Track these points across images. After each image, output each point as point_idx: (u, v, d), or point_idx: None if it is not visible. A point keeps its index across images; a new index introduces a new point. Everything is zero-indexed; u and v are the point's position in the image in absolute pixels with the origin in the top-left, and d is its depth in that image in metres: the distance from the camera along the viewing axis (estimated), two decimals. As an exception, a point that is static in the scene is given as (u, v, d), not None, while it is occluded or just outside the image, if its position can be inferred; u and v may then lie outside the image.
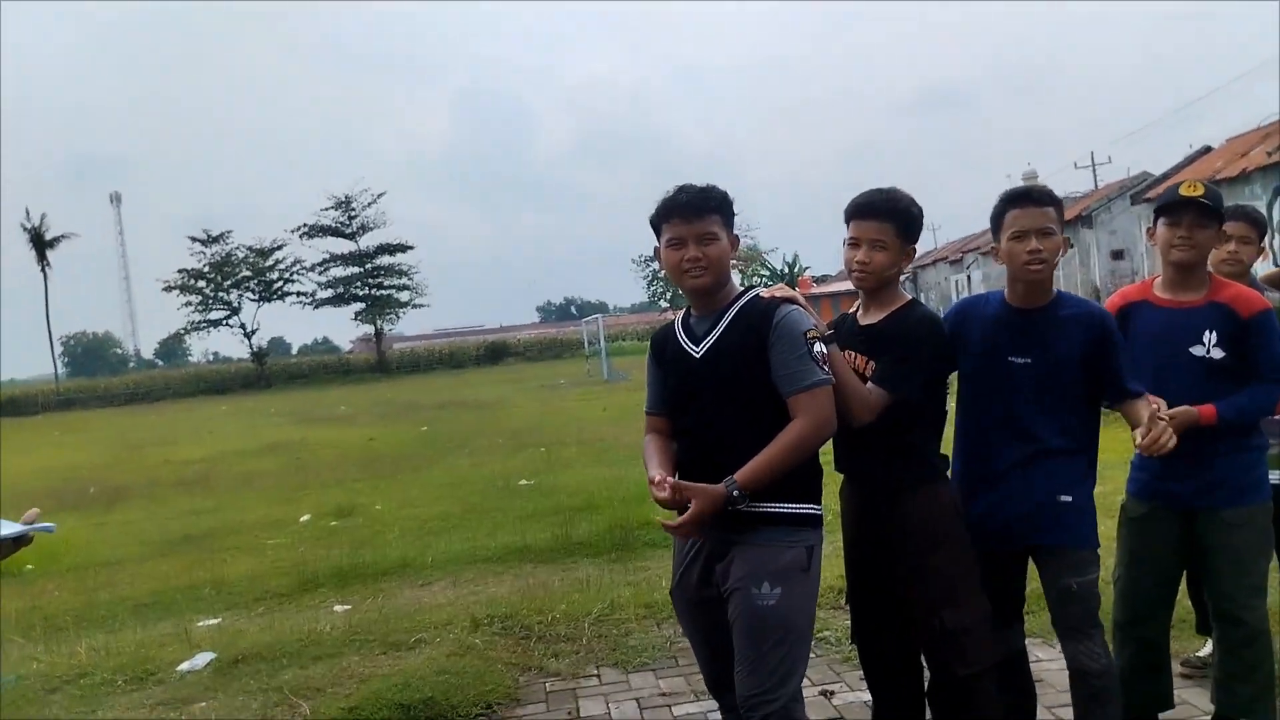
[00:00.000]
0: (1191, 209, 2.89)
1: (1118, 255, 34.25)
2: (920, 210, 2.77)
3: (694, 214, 2.55)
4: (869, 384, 2.65)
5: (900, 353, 2.64)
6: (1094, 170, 47.23)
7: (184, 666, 4.43)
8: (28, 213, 61.83)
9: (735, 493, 2.40)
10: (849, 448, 2.79)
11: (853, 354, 2.73)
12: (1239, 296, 2.91)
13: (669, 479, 2.47)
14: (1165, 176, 30.22)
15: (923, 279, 62.33)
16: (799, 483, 2.52)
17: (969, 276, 50.67)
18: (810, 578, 2.53)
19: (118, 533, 10.51)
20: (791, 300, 2.58)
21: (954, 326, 2.87)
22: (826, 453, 2.64)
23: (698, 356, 2.60)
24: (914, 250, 2.77)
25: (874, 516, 2.76)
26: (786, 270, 66.99)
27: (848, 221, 2.77)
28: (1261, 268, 3.49)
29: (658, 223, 2.64)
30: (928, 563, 2.67)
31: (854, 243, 2.74)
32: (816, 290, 67.25)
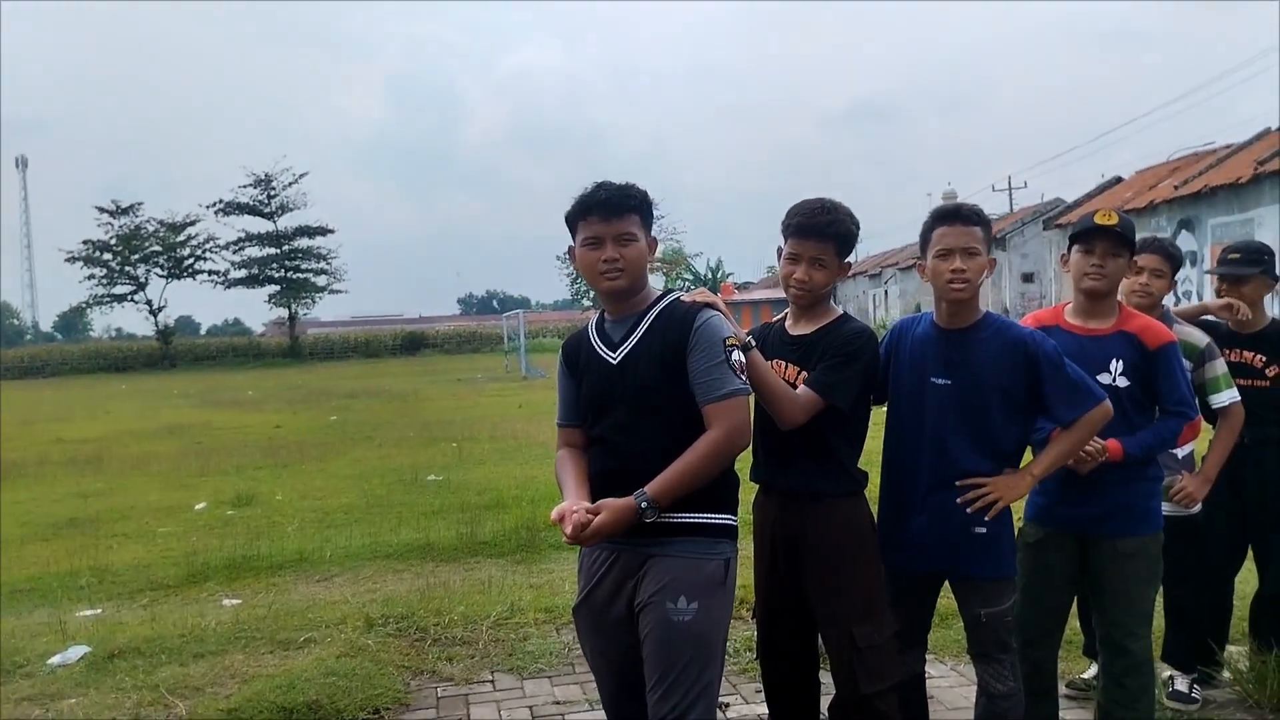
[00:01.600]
0: (1106, 237, 2.93)
1: (1028, 278, 35.40)
2: (858, 226, 2.76)
3: (612, 213, 2.45)
4: (801, 387, 2.64)
5: (836, 361, 2.65)
6: (1010, 193, 48.73)
7: (55, 660, 4.21)
8: (-79, 172, 58.71)
9: (645, 505, 2.31)
10: (769, 456, 2.78)
11: (783, 364, 2.72)
12: (1147, 328, 2.96)
13: (575, 513, 2.31)
14: (1077, 204, 31.37)
15: (841, 292, 63.44)
16: (716, 492, 2.44)
17: (886, 291, 51.78)
18: (727, 591, 2.45)
19: (5, 515, 9.99)
20: (712, 306, 2.51)
21: (890, 345, 2.88)
22: (745, 460, 2.61)
23: (614, 362, 2.51)
24: (849, 265, 2.78)
25: (790, 527, 2.74)
26: (710, 276, 67.51)
27: (787, 236, 2.73)
28: (1169, 302, 3.58)
29: (573, 220, 2.53)
30: (841, 577, 2.67)
31: (793, 258, 2.72)
32: (739, 297, 68.06)
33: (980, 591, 2.77)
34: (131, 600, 5.91)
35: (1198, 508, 3.37)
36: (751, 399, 2.54)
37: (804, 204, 2.74)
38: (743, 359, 2.46)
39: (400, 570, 6.24)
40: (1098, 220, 2.94)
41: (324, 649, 4.26)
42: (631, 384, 2.46)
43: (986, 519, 2.69)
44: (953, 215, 2.74)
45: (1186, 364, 3.16)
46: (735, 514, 2.52)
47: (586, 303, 56.32)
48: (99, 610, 5.56)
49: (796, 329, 2.79)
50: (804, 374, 2.66)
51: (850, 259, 2.79)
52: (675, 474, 2.33)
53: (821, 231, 2.68)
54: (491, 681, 4.05)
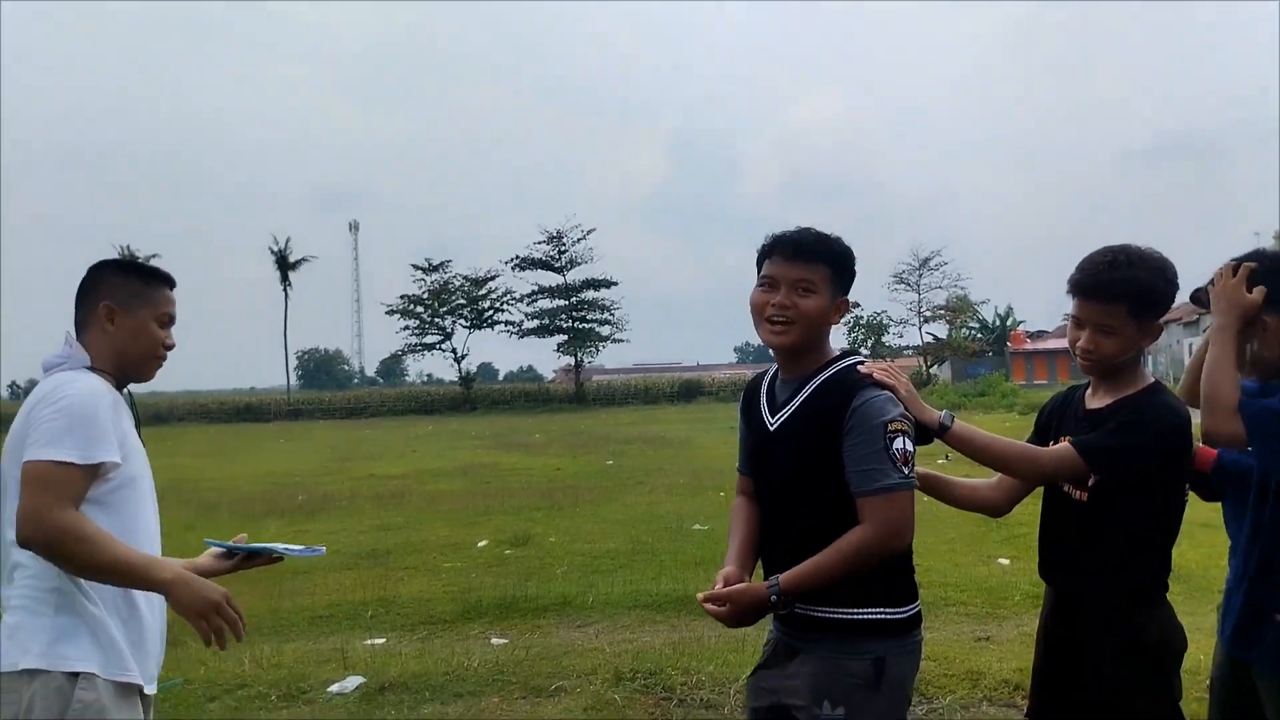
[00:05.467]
0: None
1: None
2: (1167, 282, 2.26)
3: (798, 255, 2.18)
4: (1061, 441, 2.28)
5: (1118, 425, 2.22)
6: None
7: (334, 688, 4.51)
8: (274, 238, 68.03)
9: (775, 597, 2.09)
10: (1045, 546, 2.43)
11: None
12: None
13: (716, 590, 2.17)
14: None
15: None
16: (867, 585, 2.12)
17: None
18: (882, 695, 2.11)
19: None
20: (889, 386, 2.16)
21: None
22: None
23: (771, 429, 2.25)
24: (1158, 327, 2.28)
25: (1061, 632, 2.35)
26: (999, 323, 63.97)
27: (1070, 294, 2.34)
28: None
29: (760, 258, 2.27)
30: (1116, 700, 2.23)
31: (1077, 322, 2.32)
32: (1031, 346, 63.95)
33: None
34: (410, 633, 6.29)
35: None
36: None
37: (1090, 257, 2.30)
38: (909, 448, 2.10)
39: (657, 621, 6.21)
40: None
41: (573, 699, 4.27)
42: (784, 455, 2.21)
43: None
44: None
45: None
46: (900, 606, 2.17)
47: (865, 351, 54.99)
48: (381, 640, 5.94)
49: (1094, 400, 2.37)
50: None
51: (1157, 318, 2.27)
52: (812, 566, 2.08)
53: (1106, 292, 2.22)
54: (736, 751, 3.86)
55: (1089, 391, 2.40)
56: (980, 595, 6.29)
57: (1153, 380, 2.31)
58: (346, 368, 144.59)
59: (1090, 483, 2.21)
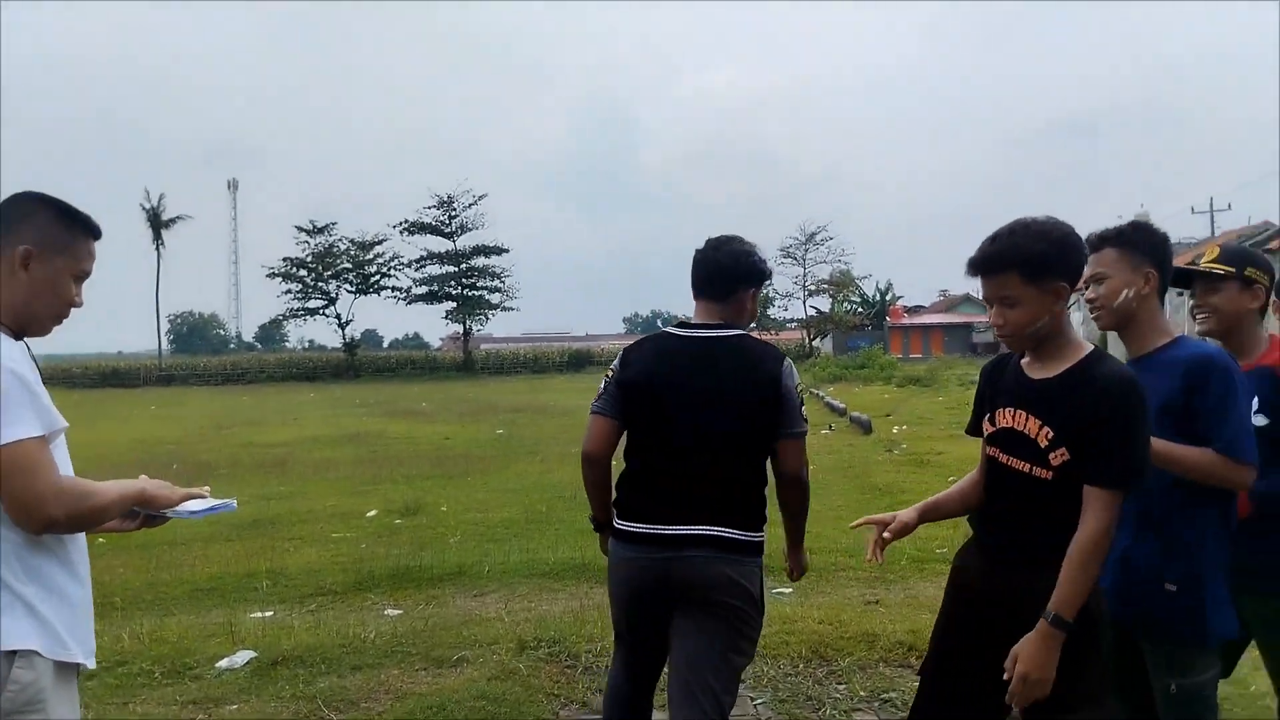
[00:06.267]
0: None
1: (1232, 305, 32.59)
2: (1054, 244, 2.26)
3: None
4: (1000, 410, 2.37)
5: (1119, 435, 2.16)
6: (1211, 216, 45.23)
7: (223, 664, 4.32)
8: (147, 193, 64.63)
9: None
10: (996, 524, 2.44)
11: (1023, 415, 2.31)
12: None
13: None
14: (1291, 226, 28.70)
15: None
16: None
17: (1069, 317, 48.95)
18: None
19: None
20: None
21: None
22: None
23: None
24: (1060, 289, 2.26)
25: (992, 592, 2.38)
26: (879, 298, 65.77)
27: (972, 278, 2.43)
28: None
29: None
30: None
31: (986, 302, 2.36)
32: (908, 321, 66.01)
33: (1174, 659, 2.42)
34: (301, 605, 6.10)
35: None
36: None
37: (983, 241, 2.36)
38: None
39: (555, 590, 6.18)
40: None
41: (476, 669, 4.20)
42: None
43: None
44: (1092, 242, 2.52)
45: None
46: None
47: (751, 325, 55.83)
48: (270, 613, 5.75)
49: (1036, 371, 2.35)
50: (1047, 429, 2.25)
51: (1057, 281, 2.25)
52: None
53: (994, 263, 2.27)
54: (642, 717, 3.87)
55: (1024, 361, 2.40)
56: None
57: (1092, 347, 2.33)
58: (222, 332, 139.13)
59: (1056, 462, 2.22)
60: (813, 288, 57.67)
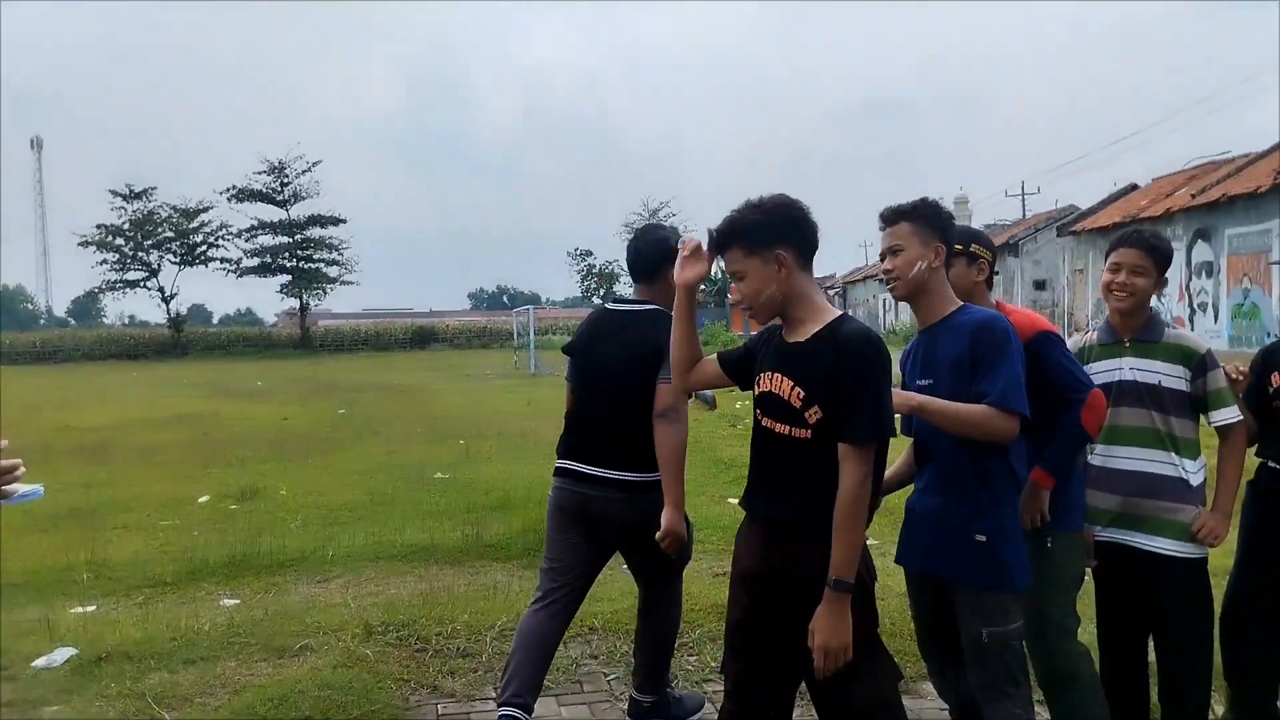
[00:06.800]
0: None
1: (1040, 285, 35.14)
2: (765, 213, 2.39)
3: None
4: (764, 372, 2.46)
5: (862, 391, 2.27)
6: (1023, 199, 48.41)
7: (40, 662, 4.05)
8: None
9: None
10: (759, 482, 2.50)
11: (779, 377, 2.39)
12: (1019, 324, 2.81)
13: None
14: (1092, 211, 31.04)
15: (851, 296, 63.12)
16: None
17: (898, 295, 51.37)
18: None
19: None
20: None
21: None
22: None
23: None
24: (779, 257, 2.36)
25: (768, 569, 2.43)
26: (720, 275, 67.19)
27: None
28: (1160, 302, 3.35)
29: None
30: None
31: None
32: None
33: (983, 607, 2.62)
34: (127, 597, 5.76)
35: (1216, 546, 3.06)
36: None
37: None
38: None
39: (403, 573, 6.07)
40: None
41: (320, 658, 4.09)
42: None
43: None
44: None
45: (1180, 370, 2.99)
46: None
47: (597, 299, 56.21)
48: (93, 608, 5.40)
49: (791, 335, 2.45)
50: (799, 389, 2.34)
51: (773, 249, 2.37)
52: None
53: (717, 244, 2.49)
54: (495, 698, 3.86)
55: (785, 328, 2.50)
56: (716, 533, 6.63)
57: (839, 312, 2.43)
58: (30, 306, 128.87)
59: (812, 420, 2.31)
60: (658, 264, 58.27)
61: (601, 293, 57.15)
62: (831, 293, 69.24)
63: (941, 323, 2.71)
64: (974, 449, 2.60)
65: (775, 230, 2.38)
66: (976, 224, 41.28)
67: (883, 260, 2.76)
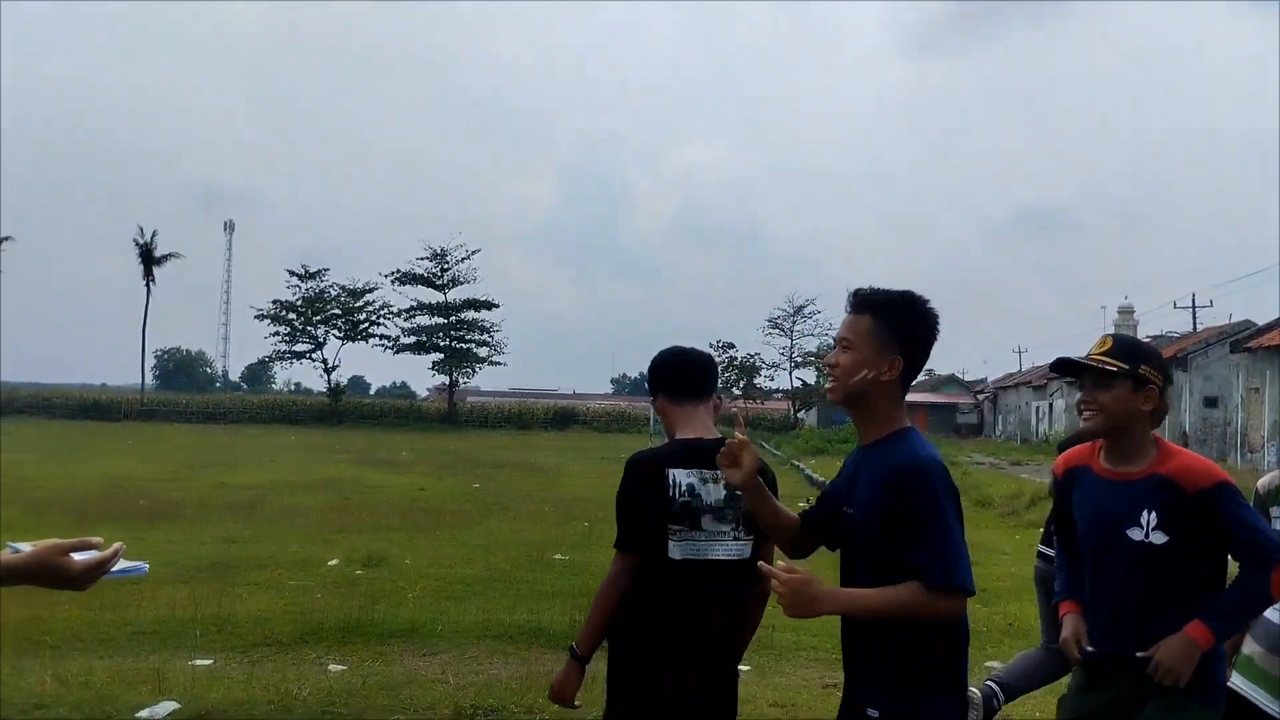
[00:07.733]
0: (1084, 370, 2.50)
1: (1211, 403, 32.80)
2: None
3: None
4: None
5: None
6: (1194, 312, 45.73)
7: (143, 714, 4.15)
8: (141, 229, 64.71)
9: None
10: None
11: None
12: (1187, 468, 2.40)
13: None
14: (1269, 327, 29.01)
15: (1003, 401, 60.71)
16: None
17: (1050, 405, 49.11)
18: None
19: (149, 551, 10.39)
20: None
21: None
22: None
23: None
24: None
25: None
26: (867, 373, 65.87)
27: None
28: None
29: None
30: None
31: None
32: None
33: None
34: (242, 654, 5.90)
35: None
36: None
37: None
38: None
39: (507, 654, 6.01)
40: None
41: (407, 735, 4.04)
42: None
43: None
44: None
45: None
46: None
47: (736, 391, 56.06)
48: (208, 661, 5.55)
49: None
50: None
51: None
52: None
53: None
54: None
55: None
56: (830, 640, 6.30)
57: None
58: (209, 370, 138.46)
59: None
60: (799, 359, 57.99)
61: (742, 384, 57.03)
62: (982, 397, 66.84)
63: (873, 445, 2.24)
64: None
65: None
66: (1142, 336, 39.22)
67: (835, 345, 2.29)
